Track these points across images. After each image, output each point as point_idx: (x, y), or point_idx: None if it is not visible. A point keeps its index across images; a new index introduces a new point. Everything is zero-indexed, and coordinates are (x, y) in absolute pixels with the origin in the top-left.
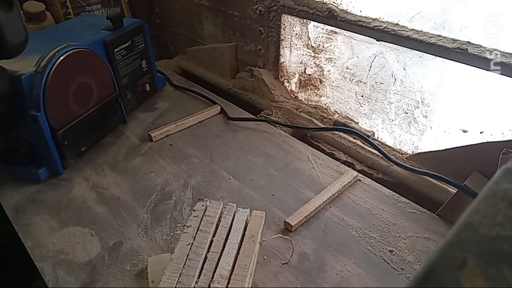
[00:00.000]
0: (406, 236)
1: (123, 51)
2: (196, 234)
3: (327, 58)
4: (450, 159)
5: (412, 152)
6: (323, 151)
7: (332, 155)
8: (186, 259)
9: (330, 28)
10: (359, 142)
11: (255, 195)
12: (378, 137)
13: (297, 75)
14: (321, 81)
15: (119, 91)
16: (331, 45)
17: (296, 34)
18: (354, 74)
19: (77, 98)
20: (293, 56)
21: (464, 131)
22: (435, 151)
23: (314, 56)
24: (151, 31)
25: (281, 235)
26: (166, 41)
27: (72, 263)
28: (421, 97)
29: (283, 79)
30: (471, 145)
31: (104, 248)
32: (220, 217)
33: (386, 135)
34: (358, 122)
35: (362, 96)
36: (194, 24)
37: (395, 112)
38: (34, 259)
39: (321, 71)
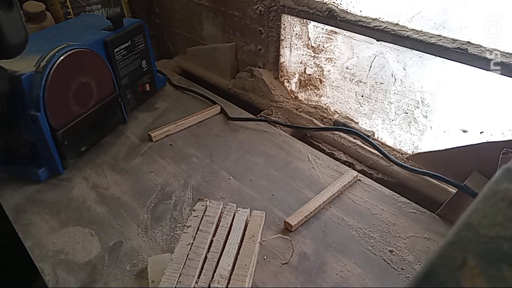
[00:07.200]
0: (406, 236)
1: (123, 51)
2: (196, 234)
3: (327, 58)
4: (450, 159)
5: (412, 152)
6: (323, 151)
7: (332, 155)
8: (186, 259)
9: (330, 28)
10: (359, 142)
11: (255, 195)
12: (378, 137)
13: (297, 75)
14: (321, 81)
15: (119, 91)
16: (331, 45)
17: (296, 34)
18: (354, 74)
19: (77, 98)
20: (293, 56)
21: (464, 131)
22: (435, 151)
23: (314, 56)
24: (151, 31)
25: (281, 235)
26: (166, 41)
27: (72, 263)
28: (421, 97)
29: (283, 79)
30: (471, 145)
31: (104, 248)
32: (220, 217)
33: (386, 135)
34: (358, 122)
35: (362, 96)
36: (194, 24)
37: (395, 112)
38: (34, 259)
39: (321, 71)
